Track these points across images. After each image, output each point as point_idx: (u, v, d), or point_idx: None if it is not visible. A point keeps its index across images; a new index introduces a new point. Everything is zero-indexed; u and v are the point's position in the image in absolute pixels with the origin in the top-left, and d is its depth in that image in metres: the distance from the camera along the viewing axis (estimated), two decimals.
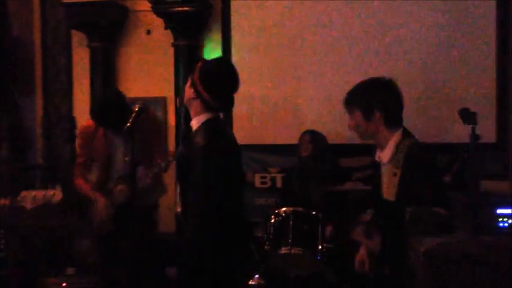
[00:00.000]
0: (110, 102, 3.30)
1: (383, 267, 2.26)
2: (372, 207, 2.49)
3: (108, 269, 3.31)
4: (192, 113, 2.43)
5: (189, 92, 2.41)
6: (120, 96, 3.37)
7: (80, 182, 3.45)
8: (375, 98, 2.29)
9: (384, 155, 2.30)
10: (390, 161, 2.27)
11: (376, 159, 2.37)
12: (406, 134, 2.30)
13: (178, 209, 3.25)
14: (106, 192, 3.37)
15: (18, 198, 2.98)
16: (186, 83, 2.44)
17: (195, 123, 2.40)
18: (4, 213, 2.96)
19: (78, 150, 3.52)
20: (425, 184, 2.13)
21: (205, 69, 2.40)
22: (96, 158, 3.43)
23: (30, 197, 2.96)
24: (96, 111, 3.36)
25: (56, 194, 2.98)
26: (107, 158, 3.38)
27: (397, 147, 2.26)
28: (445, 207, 2.05)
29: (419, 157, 2.21)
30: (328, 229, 3.64)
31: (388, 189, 2.28)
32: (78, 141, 3.51)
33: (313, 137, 4.02)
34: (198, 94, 2.36)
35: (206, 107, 2.37)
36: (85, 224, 3.44)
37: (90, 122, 3.43)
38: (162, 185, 3.49)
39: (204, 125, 2.37)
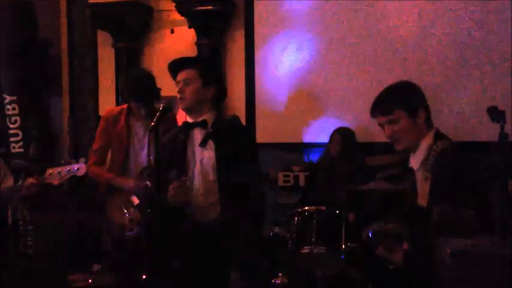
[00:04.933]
0: (145, 75, 3.30)
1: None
2: (395, 211, 2.45)
3: (130, 267, 3.30)
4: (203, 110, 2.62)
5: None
6: (150, 72, 3.38)
7: (99, 171, 3.26)
8: (416, 97, 2.18)
9: (415, 159, 2.19)
10: (421, 165, 2.16)
11: (409, 165, 2.24)
12: (440, 136, 2.18)
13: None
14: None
15: (46, 175, 2.98)
16: None
17: (210, 118, 2.60)
18: (33, 192, 2.98)
19: (96, 136, 3.38)
20: (454, 185, 2.04)
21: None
22: (114, 148, 3.29)
23: (55, 174, 2.96)
24: (133, 84, 3.24)
25: (81, 168, 2.97)
26: (125, 150, 3.24)
27: (430, 150, 2.13)
28: (476, 209, 1.96)
29: (451, 160, 2.07)
30: (351, 217, 3.59)
31: (421, 194, 2.16)
32: (99, 127, 3.36)
33: (344, 136, 4.00)
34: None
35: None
36: (103, 223, 3.36)
37: (116, 107, 3.43)
38: None
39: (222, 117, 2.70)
